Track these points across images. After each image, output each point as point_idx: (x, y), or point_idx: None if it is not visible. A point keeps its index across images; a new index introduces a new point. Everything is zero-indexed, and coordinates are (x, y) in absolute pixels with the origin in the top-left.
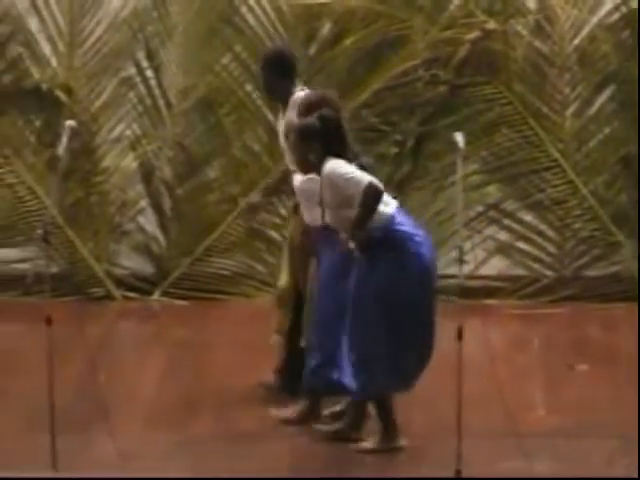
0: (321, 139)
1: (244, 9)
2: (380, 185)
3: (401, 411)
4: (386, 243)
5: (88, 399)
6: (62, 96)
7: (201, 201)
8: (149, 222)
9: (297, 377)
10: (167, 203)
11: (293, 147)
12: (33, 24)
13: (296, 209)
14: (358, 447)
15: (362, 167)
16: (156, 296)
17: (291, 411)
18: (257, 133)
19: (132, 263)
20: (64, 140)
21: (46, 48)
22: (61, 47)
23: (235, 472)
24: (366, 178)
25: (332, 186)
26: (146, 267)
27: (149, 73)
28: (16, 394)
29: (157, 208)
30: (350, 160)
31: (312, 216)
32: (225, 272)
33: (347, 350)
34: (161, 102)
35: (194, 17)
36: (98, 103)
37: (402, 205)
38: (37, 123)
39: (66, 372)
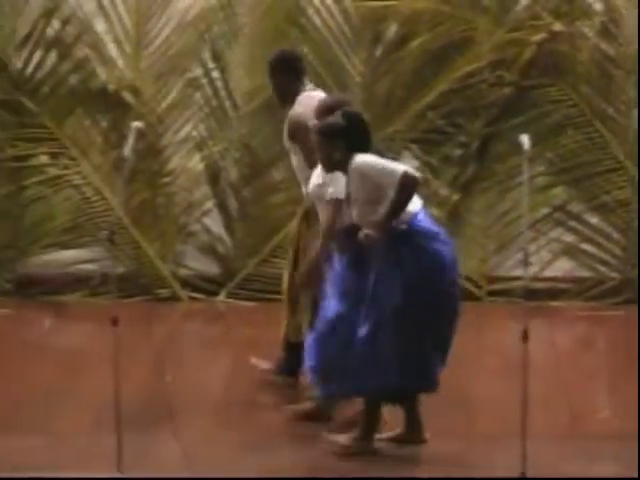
0: (345, 136)
1: (310, 10)
2: (416, 174)
3: (466, 412)
4: (407, 240)
5: (154, 400)
6: (129, 97)
7: (267, 202)
8: (215, 223)
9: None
10: (233, 204)
11: (317, 146)
12: (100, 25)
13: (307, 215)
14: (331, 440)
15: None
16: (222, 297)
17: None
18: None
19: (198, 264)
20: (130, 141)
21: (113, 49)
22: (128, 48)
23: (300, 472)
24: (401, 167)
25: (363, 179)
26: (212, 268)
27: (215, 74)
28: (82, 394)
29: (223, 209)
30: (367, 150)
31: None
32: None
33: (361, 348)
34: (227, 103)
35: (260, 18)
36: (164, 104)
37: (467, 207)
38: (104, 124)
39: (132, 373)
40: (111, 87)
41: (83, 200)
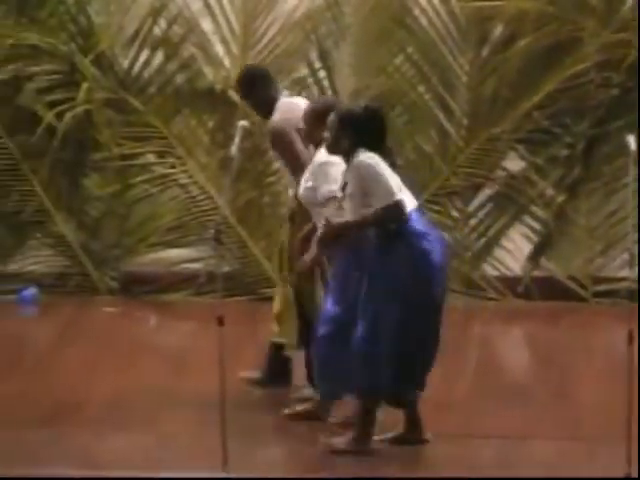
0: (360, 128)
1: (417, 11)
2: (405, 207)
3: (570, 413)
4: (399, 239)
5: (258, 399)
6: (235, 97)
7: None
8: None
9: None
10: None
11: (329, 128)
12: (206, 25)
13: (292, 217)
14: (330, 444)
15: (392, 165)
16: None
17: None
18: (429, 134)
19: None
20: (237, 140)
21: (219, 49)
22: (234, 48)
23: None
24: (397, 195)
25: (361, 180)
26: None
27: (322, 74)
28: (188, 393)
29: None
30: (383, 156)
31: (319, 221)
32: None
33: (356, 349)
34: None
35: (367, 18)
36: None
37: (573, 208)
38: (210, 123)
39: (237, 372)
40: (218, 87)
41: (189, 199)
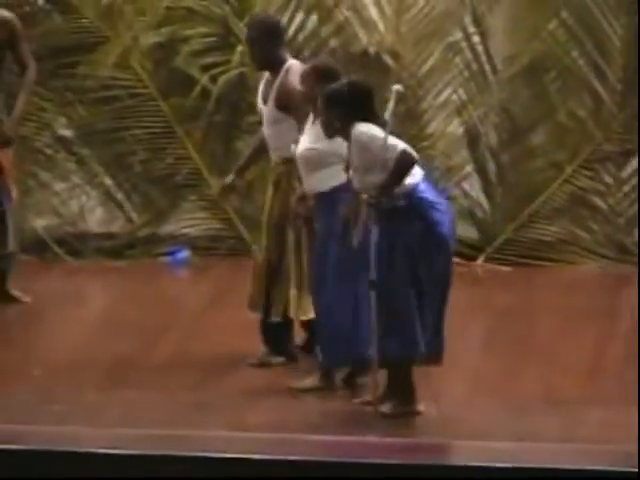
0: (349, 104)
1: None
2: (414, 153)
3: None
4: (409, 212)
5: None
6: (389, 61)
7: (525, 167)
8: (473, 188)
9: (277, 348)
10: (492, 169)
11: (320, 110)
12: None
13: (277, 184)
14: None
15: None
16: (480, 262)
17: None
18: (582, 99)
19: (457, 229)
20: (391, 104)
21: (373, 13)
22: (388, 11)
23: (558, 438)
24: (401, 145)
25: (363, 150)
26: (470, 232)
27: (475, 39)
28: None
29: (482, 174)
30: (378, 125)
31: (311, 184)
32: (549, 238)
33: (370, 318)
34: (487, 68)
35: None
36: (424, 68)
37: None
38: None
39: None
40: (371, 50)
41: None
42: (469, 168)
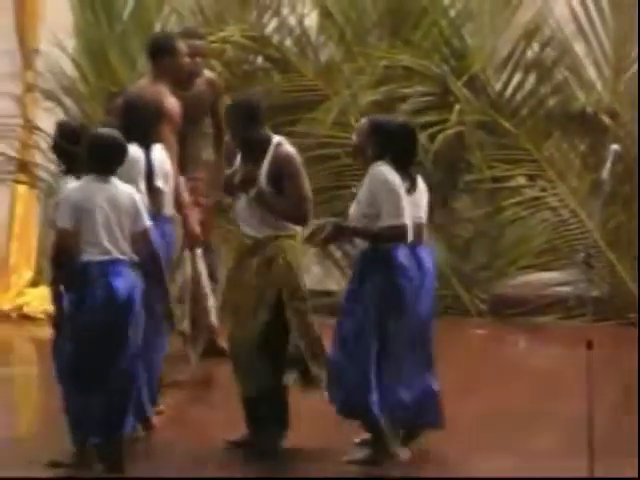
0: (390, 142)
1: None
2: (408, 233)
3: None
4: (376, 256)
5: (625, 426)
6: (607, 120)
7: None
8: None
9: None
10: None
11: (358, 134)
12: (579, 48)
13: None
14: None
15: (409, 190)
16: None
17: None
18: None
19: None
20: (608, 164)
21: (592, 72)
22: (606, 71)
23: None
24: (404, 218)
25: (373, 191)
26: None
27: None
28: (556, 416)
29: None
30: (404, 177)
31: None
32: None
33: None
34: None
35: None
36: None
37: None
38: (581, 147)
39: (605, 397)
40: (589, 110)
41: (559, 222)
42: None
